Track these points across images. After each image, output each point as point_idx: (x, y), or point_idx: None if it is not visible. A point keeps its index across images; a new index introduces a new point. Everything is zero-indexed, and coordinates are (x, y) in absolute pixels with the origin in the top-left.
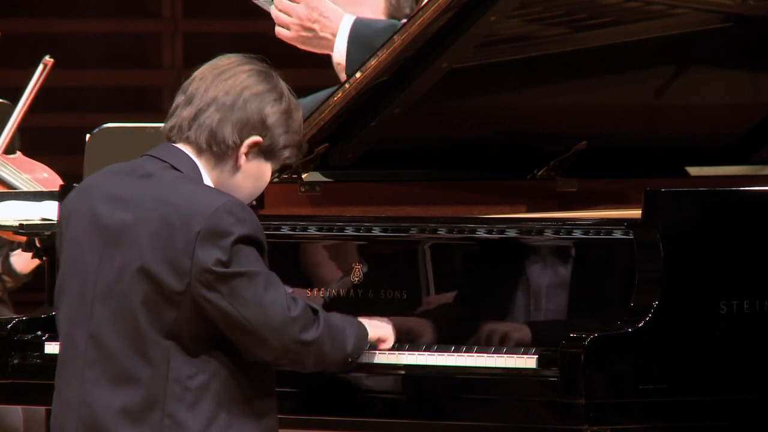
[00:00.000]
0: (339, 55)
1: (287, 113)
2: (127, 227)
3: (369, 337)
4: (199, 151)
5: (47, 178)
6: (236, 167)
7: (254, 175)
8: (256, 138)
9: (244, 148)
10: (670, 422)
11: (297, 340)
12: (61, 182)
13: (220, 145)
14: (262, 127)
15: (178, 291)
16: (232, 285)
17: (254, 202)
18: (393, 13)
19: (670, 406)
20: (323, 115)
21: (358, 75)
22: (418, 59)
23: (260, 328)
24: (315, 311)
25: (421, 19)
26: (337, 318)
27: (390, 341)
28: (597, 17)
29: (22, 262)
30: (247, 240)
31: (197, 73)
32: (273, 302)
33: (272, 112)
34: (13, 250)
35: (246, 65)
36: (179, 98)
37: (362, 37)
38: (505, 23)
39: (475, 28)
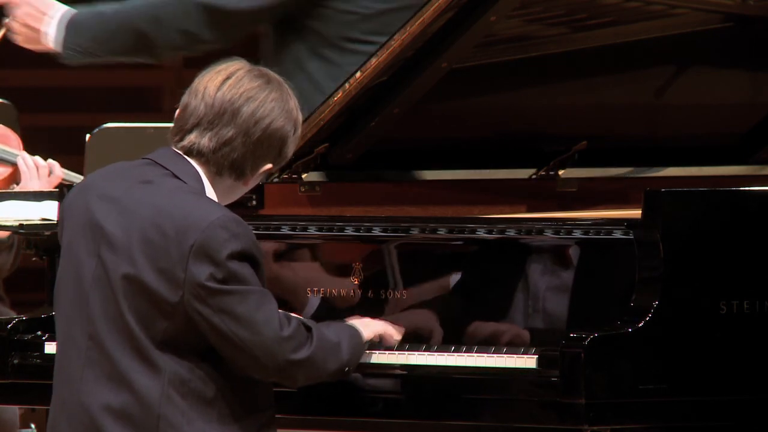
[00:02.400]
0: (53, 42)
1: (297, 138)
2: (121, 232)
3: (365, 339)
4: (213, 173)
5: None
6: (243, 184)
7: (252, 185)
8: (270, 166)
9: (256, 175)
10: (670, 422)
11: (288, 359)
12: (11, 133)
13: (238, 173)
14: (277, 155)
15: (172, 302)
16: (225, 302)
17: (254, 202)
18: None
19: (670, 406)
20: (323, 115)
21: (358, 75)
22: (418, 59)
23: (251, 346)
24: (308, 329)
25: (421, 19)
26: (332, 331)
27: (394, 333)
28: (597, 17)
29: None
30: (240, 255)
31: (223, 92)
32: (265, 321)
33: (289, 143)
34: None
35: (272, 91)
36: (198, 109)
37: (76, 23)
38: (505, 23)
39: (475, 28)
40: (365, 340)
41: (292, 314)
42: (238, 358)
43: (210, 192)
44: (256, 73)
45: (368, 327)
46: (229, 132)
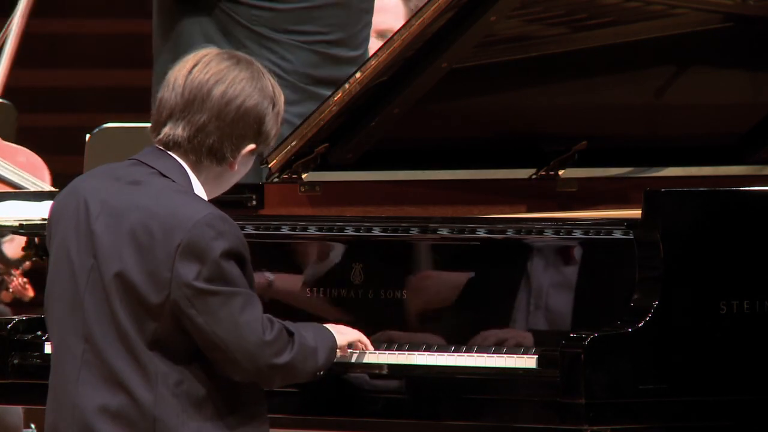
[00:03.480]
0: None
1: (278, 114)
2: (112, 234)
3: (339, 345)
4: (194, 162)
5: (25, 162)
6: (228, 170)
7: (242, 170)
8: (252, 146)
9: (239, 158)
10: (670, 422)
11: (269, 364)
12: (41, 164)
13: (218, 158)
14: (257, 134)
15: (157, 303)
16: (209, 302)
17: (254, 202)
18: None
19: (670, 406)
20: (323, 115)
21: (358, 75)
22: (418, 59)
23: (233, 349)
24: (291, 333)
25: (421, 19)
26: (310, 334)
27: (365, 345)
28: (597, 17)
29: (14, 248)
30: (227, 254)
31: (192, 78)
32: (248, 324)
33: (267, 120)
34: (4, 236)
35: (241, 71)
36: (170, 100)
37: None
38: (505, 23)
39: (475, 28)
40: (339, 346)
41: (275, 318)
42: (218, 360)
43: (197, 185)
44: (224, 56)
45: (342, 335)
46: (201, 117)
